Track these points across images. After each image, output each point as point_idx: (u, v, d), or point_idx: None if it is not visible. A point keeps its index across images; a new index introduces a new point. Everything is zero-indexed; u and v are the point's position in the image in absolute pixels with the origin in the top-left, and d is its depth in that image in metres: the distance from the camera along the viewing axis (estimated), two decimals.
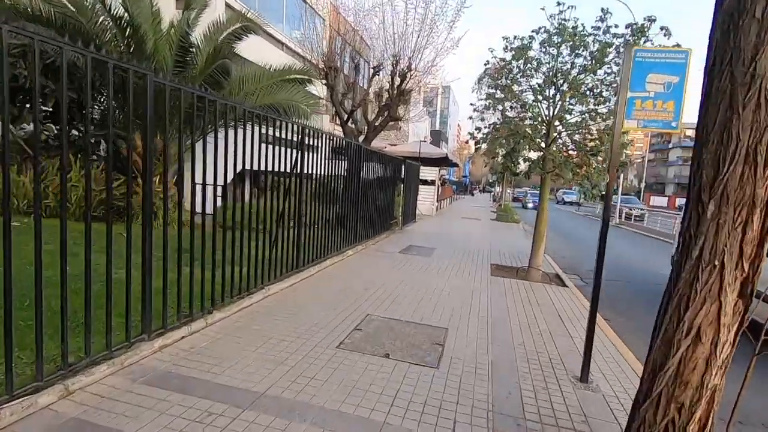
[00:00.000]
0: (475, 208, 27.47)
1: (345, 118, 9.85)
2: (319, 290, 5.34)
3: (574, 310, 5.51)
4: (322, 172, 6.43)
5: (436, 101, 77.29)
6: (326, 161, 6.51)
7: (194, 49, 7.32)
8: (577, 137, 6.46)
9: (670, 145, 64.85)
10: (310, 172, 6.12)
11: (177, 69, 7.34)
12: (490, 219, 19.49)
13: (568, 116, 6.37)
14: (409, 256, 8.26)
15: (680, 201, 51.92)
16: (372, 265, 7.15)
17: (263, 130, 4.70)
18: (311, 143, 5.88)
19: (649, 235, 18.14)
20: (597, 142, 6.13)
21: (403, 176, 12.19)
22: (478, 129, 7.42)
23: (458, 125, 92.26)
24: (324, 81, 9.53)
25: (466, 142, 7.25)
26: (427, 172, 17.98)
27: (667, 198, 55.17)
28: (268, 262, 5.13)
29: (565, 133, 6.78)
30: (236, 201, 5.06)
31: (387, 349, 3.72)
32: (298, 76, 9.19)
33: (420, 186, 17.24)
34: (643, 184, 42.97)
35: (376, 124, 10.23)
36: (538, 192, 34.37)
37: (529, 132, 6.73)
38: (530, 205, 33.62)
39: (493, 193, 50.65)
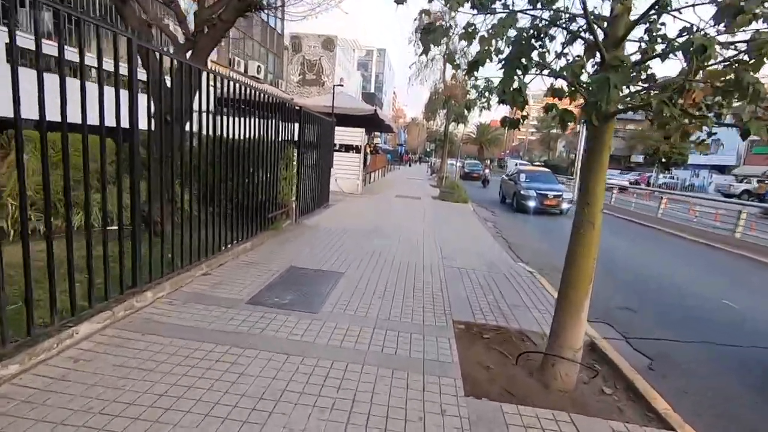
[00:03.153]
0: (412, 181, 23.23)
1: None
2: None
3: None
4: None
5: (371, 64, 71.20)
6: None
7: None
8: None
9: None
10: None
11: None
12: (432, 197, 15.29)
13: None
14: (267, 316, 3.54)
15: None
16: (124, 387, 2.40)
17: None
18: None
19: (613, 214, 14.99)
20: None
21: (296, 137, 7.31)
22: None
23: (393, 92, 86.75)
24: None
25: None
26: (348, 135, 13.17)
27: None
28: None
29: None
30: None
31: None
32: None
33: (339, 154, 12.44)
34: (574, 155, 41.28)
35: (218, 18, 4.93)
36: (534, 168, 19.54)
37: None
38: (532, 203, 13.57)
39: (429, 164, 46.99)
